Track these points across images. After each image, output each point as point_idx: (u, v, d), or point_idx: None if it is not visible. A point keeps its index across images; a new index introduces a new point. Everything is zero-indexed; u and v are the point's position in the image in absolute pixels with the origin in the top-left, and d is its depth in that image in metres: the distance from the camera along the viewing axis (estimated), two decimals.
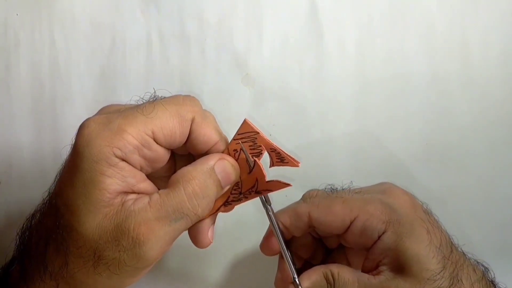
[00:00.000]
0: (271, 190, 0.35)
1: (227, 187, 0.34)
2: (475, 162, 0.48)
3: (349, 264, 0.39)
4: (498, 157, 0.48)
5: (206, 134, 0.33)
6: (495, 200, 0.48)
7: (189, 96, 0.34)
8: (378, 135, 0.48)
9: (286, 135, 0.48)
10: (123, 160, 0.31)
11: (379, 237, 0.35)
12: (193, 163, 0.33)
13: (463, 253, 0.36)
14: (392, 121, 0.48)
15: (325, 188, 0.39)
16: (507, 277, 0.37)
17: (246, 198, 0.35)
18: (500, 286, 0.37)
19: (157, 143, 0.32)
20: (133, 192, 0.32)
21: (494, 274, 0.36)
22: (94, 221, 0.30)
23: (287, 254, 0.37)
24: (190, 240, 0.48)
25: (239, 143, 0.34)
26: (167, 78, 0.49)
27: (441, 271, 0.33)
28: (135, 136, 0.31)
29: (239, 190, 0.35)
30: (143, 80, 0.49)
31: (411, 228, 0.35)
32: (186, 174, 0.32)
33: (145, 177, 0.33)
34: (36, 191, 0.47)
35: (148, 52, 0.49)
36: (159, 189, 0.34)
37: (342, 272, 0.35)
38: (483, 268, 0.36)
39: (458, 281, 0.34)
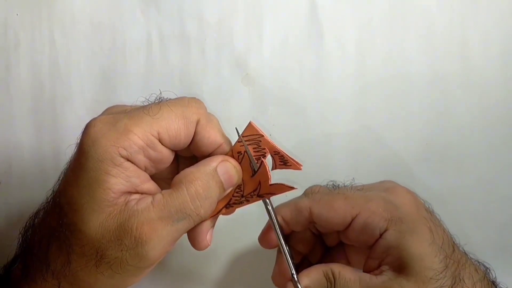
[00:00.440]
0: (274, 194, 0.35)
1: (230, 189, 0.34)
2: (475, 162, 0.48)
3: (348, 262, 0.39)
4: (498, 157, 0.48)
5: (211, 136, 0.34)
6: (495, 200, 0.48)
7: (194, 98, 0.34)
8: (378, 135, 0.48)
9: (286, 135, 0.48)
10: (128, 160, 0.31)
11: (381, 235, 0.35)
12: (196, 164, 0.33)
13: (465, 252, 0.36)
14: (392, 121, 0.48)
15: (327, 184, 0.39)
16: (507, 278, 0.37)
17: (248, 201, 0.35)
18: (501, 286, 0.36)
19: (162, 144, 0.32)
20: (137, 192, 0.32)
21: (495, 274, 0.36)
22: (97, 220, 0.30)
23: (286, 251, 0.36)
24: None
25: (243, 145, 0.34)
26: (167, 78, 0.49)
27: (444, 270, 0.33)
28: (140, 137, 0.31)
29: (241, 193, 0.35)
30: (143, 80, 0.49)
31: (413, 226, 0.35)
32: (189, 175, 0.32)
33: (149, 177, 0.33)
34: (36, 191, 0.48)
35: (148, 52, 0.49)
36: (162, 190, 0.34)
37: (343, 272, 0.35)
38: (484, 268, 0.36)
39: (460, 280, 0.33)
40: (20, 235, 0.34)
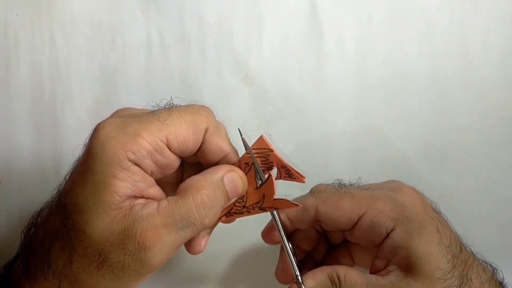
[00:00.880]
0: (277, 208, 0.35)
1: (234, 199, 0.34)
2: (475, 162, 0.48)
3: (352, 260, 0.39)
4: (498, 157, 0.48)
5: (218, 145, 0.34)
6: (495, 200, 0.48)
7: (204, 106, 0.34)
8: (378, 135, 0.48)
9: (286, 135, 0.48)
10: (136, 164, 0.31)
11: (388, 234, 0.35)
12: (202, 173, 0.33)
13: (472, 252, 0.36)
14: (392, 121, 0.48)
15: (333, 183, 0.39)
16: (508, 277, 0.37)
17: (249, 213, 0.35)
18: (509, 287, 0.36)
19: (170, 150, 0.32)
20: (142, 197, 0.32)
21: (503, 275, 0.36)
22: (102, 223, 0.30)
23: (290, 253, 0.36)
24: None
25: (252, 157, 0.34)
26: (167, 78, 0.49)
27: (451, 270, 0.33)
28: (149, 142, 0.31)
29: (243, 203, 0.35)
30: (143, 80, 0.49)
31: (420, 226, 0.35)
32: (195, 183, 0.32)
33: (154, 182, 0.33)
34: (36, 191, 0.48)
35: (148, 52, 0.49)
36: (166, 195, 0.35)
37: (349, 274, 0.35)
38: (492, 268, 0.36)
39: (468, 280, 0.33)
40: (23, 234, 0.34)
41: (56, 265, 0.31)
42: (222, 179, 0.33)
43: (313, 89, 0.48)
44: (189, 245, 0.35)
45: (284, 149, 0.48)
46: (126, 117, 0.33)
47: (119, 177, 0.30)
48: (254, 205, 0.35)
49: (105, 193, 0.30)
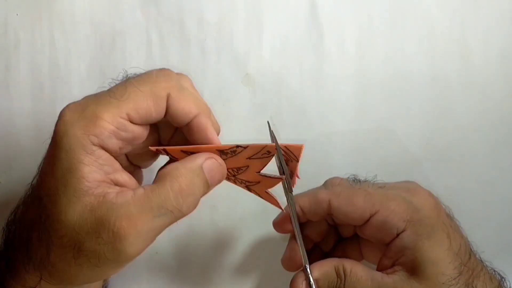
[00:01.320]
0: (260, 197, 0.36)
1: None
2: (475, 162, 0.48)
3: (361, 254, 0.39)
4: (498, 157, 0.48)
5: (184, 108, 0.33)
6: (495, 200, 0.48)
7: (163, 70, 0.34)
8: (378, 135, 0.48)
9: (286, 135, 0.48)
10: (101, 146, 0.30)
11: (398, 235, 0.35)
12: (181, 160, 0.33)
13: (481, 260, 0.36)
14: (392, 121, 0.48)
15: (348, 178, 0.39)
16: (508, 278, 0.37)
17: (234, 182, 0.36)
18: None
19: (133, 123, 0.32)
20: (113, 183, 0.31)
21: (510, 283, 0.36)
22: (74, 210, 0.29)
23: (302, 244, 0.36)
24: (189, 239, 0.48)
25: (277, 147, 0.35)
26: None
27: (457, 276, 0.33)
28: (110, 122, 0.30)
29: (235, 173, 0.35)
30: None
31: (432, 230, 0.35)
32: (174, 170, 0.32)
33: (121, 167, 0.33)
34: None
35: (148, 52, 0.49)
36: (141, 168, 0.35)
37: (355, 269, 0.35)
38: (500, 277, 0.36)
39: None
40: (3, 231, 0.34)
41: (36, 256, 0.31)
42: (201, 166, 0.32)
43: (313, 89, 0.48)
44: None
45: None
46: (85, 99, 0.32)
47: (85, 162, 0.30)
48: (245, 181, 0.35)
49: (73, 180, 0.29)
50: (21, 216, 0.33)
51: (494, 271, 0.36)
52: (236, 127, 0.48)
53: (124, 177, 0.32)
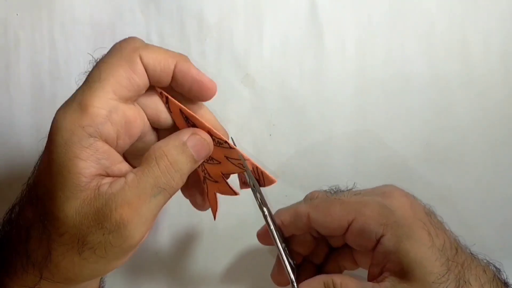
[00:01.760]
0: (207, 195, 0.38)
1: (202, 160, 0.34)
2: (475, 162, 0.48)
3: (355, 262, 0.39)
4: (498, 157, 0.48)
5: (158, 58, 0.33)
6: (495, 200, 0.48)
7: (124, 39, 0.34)
8: (378, 135, 0.48)
9: (286, 135, 0.48)
10: (98, 136, 0.30)
11: (379, 240, 0.35)
12: (165, 138, 0.33)
13: (471, 253, 0.36)
14: (392, 121, 0.48)
15: (329, 189, 0.39)
16: (508, 278, 0.37)
17: (198, 167, 0.36)
18: None
19: (124, 103, 0.32)
20: (108, 175, 0.31)
21: (506, 275, 0.36)
22: (72, 207, 0.29)
23: (284, 258, 0.37)
24: (188, 239, 0.48)
25: (244, 165, 0.35)
26: None
27: (446, 273, 0.33)
28: (101, 106, 0.30)
29: (206, 160, 0.36)
30: None
31: (410, 230, 0.34)
32: (159, 149, 0.32)
33: (121, 158, 0.32)
34: None
35: None
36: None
37: (345, 282, 0.35)
38: (494, 268, 0.36)
39: (465, 282, 0.33)
40: None
41: (35, 256, 0.31)
42: (185, 143, 0.33)
43: (313, 89, 0.48)
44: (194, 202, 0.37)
45: (284, 149, 0.48)
46: (72, 95, 0.32)
47: (81, 157, 0.29)
48: (207, 172, 0.36)
49: (69, 176, 0.29)
50: (18, 216, 0.33)
51: (489, 262, 0.36)
52: (236, 127, 0.48)
53: (122, 168, 0.32)
